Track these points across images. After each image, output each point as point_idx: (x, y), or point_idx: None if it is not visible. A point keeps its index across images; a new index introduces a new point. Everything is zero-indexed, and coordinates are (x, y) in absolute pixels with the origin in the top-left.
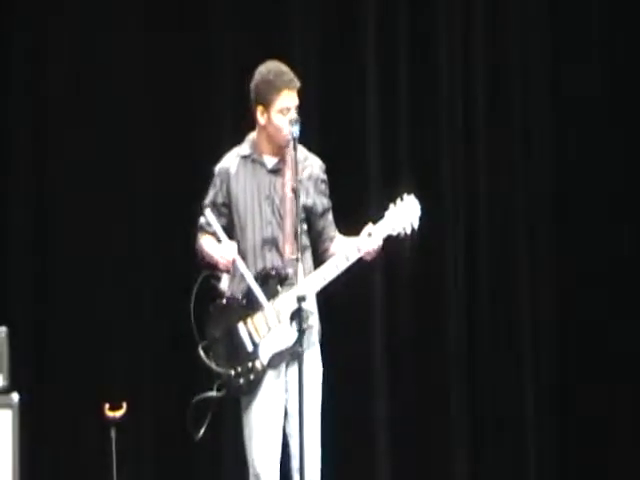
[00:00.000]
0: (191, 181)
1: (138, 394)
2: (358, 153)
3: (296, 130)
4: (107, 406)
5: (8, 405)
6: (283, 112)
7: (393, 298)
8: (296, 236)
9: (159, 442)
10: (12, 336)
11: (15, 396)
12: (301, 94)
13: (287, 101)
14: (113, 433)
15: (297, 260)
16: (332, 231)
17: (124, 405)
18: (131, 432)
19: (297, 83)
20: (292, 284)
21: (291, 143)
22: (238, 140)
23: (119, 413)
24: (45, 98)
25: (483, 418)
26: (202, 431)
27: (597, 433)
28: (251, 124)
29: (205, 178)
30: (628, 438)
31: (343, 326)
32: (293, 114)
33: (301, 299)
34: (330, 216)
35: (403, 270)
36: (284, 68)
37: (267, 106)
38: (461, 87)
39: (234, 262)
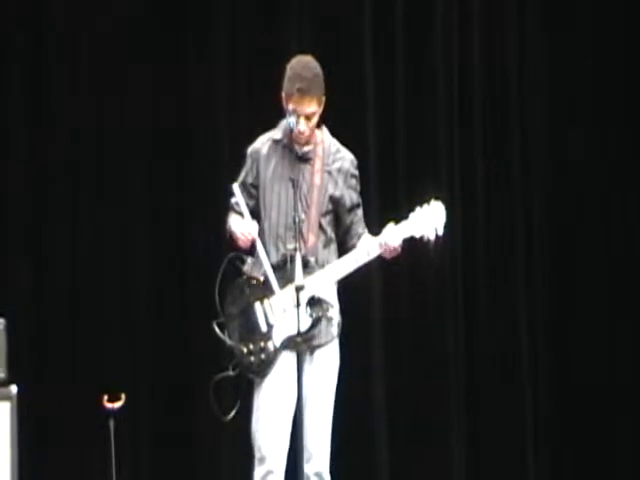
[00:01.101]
0: (189, 180)
1: (136, 385)
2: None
3: (293, 120)
4: (105, 397)
5: (6, 397)
6: (294, 113)
7: (392, 297)
8: (320, 227)
9: (157, 433)
10: (10, 328)
11: (13, 388)
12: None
13: (297, 106)
14: (112, 424)
15: (295, 250)
16: (361, 228)
17: (122, 396)
18: (129, 423)
19: (313, 91)
20: (312, 272)
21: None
22: (235, 136)
23: (118, 404)
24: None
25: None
26: (233, 413)
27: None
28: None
29: (202, 176)
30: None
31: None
32: (291, 106)
33: (299, 288)
34: (360, 212)
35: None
36: (305, 72)
37: (287, 102)
38: (458, 87)
39: (254, 242)
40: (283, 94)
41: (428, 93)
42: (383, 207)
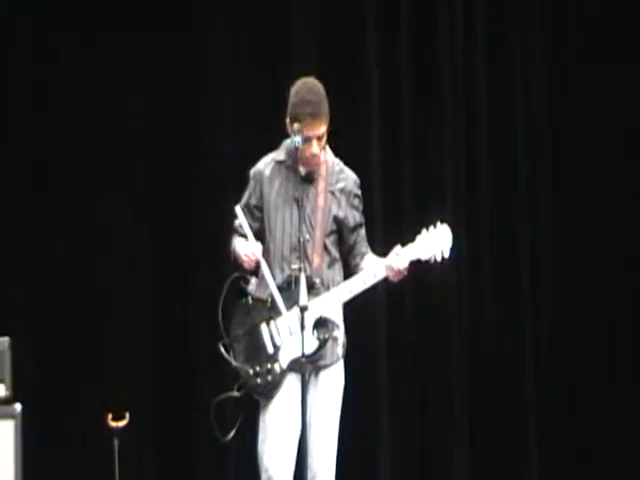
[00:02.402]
0: (188, 180)
1: (140, 404)
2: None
3: (298, 140)
4: (110, 416)
5: (11, 415)
6: (300, 134)
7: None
8: (324, 247)
9: (161, 451)
10: (14, 347)
11: (18, 406)
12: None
13: (307, 131)
14: (116, 443)
15: (300, 270)
16: (364, 247)
17: (127, 415)
18: (134, 442)
19: (321, 114)
20: (318, 293)
21: (294, 153)
22: (236, 141)
23: (122, 423)
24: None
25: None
26: (232, 433)
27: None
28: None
29: (202, 178)
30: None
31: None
32: (296, 126)
33: (304, 309)
34: (362, 232)
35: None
36: (312, 96)
37: (292, 124)
38: (463, 88)
39: (258, 263)
40: (288, 118)
41: (432, 91)
42: (387, 222)
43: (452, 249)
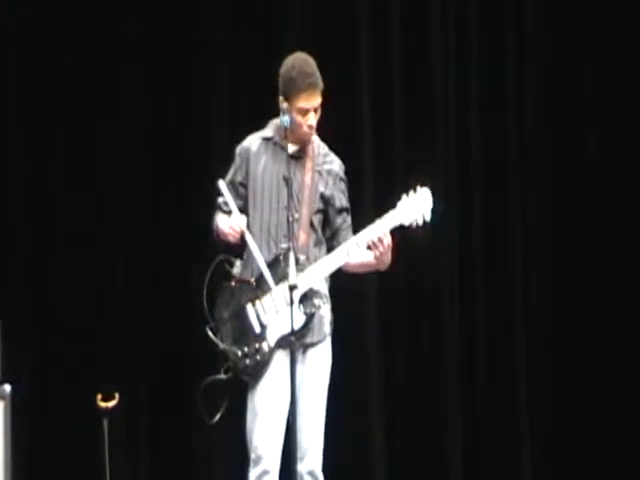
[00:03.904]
0: (187, 179)
1: (132, 385)
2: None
3: (286, 120)
4: (99, 397)
5: (0, 396)
6: (302, 112)
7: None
8: (311, 225)
9: (153, 433)
10: (4, 328)
11: (7, 387)
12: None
13: (306, 103)
14: (105, 424)
15: (289, 249)
16: (349, 235)
17: (116, 396)
18: (124, 422)
19: (320, 85)
20: (303, 269)
21: (283, 132)
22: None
23: (111, 404)
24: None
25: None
26: (218, 417)
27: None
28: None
29: (200, 177)
30: None
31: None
32: (285, 105)
33: (293, 287)
34: (348, 219)
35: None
36: (308, 68)
37: (288, 100)
38: (454, 87)
39: (243, 236)
40: (283, 95)
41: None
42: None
43: (433, 212)
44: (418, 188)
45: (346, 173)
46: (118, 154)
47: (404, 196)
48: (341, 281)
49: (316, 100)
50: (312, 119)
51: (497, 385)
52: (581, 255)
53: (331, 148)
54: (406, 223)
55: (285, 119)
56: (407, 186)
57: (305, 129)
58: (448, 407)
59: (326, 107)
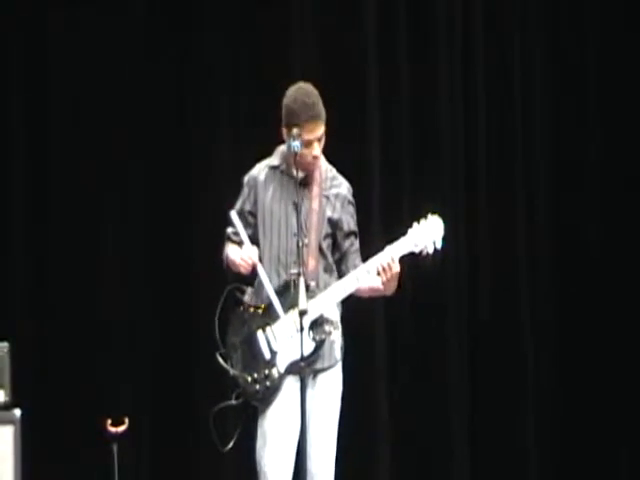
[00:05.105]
0: (186, 183)
1: (140, 410)
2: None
3: (297, 145)
4: (109, 421)
5: (10, 421)
6: (305, 143)
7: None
8: (320, 251)
9: (159, 458)
10: (13, 352)
11: (17, 412)
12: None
13: (309, 134)
14: (115, 448)
15: (299, 275)
16: (357, 260)
17: (126, 420)
18: (132, 447)
19: (322, 115)
20: (313, 295)
21: (293, 157)
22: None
23: (121, 428)
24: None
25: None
26: (232, 443)
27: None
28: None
29: (199, 183)
30: None
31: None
32: (295, 131)
33: (303, 313)
34: (356, 243)
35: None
36: (309, 99)
37: (291, 130)
38: (462, 89)
39: (255, 267)
40: (285, 125)
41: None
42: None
43: (444, 240)
44: (429, 215)
45: (354, 196)
46: (118, 155)
47: (415, 223)
48: (349, 304)
49: (319, 131)
50: (317, 149)
51: (503, 410)
52: (586, 269)
53: (339, 171)
54: (416, 250)
55: (296, 144)
56: (415, 212)
57: (310, 159)
58: (456, 436)
59: (332, 134)
